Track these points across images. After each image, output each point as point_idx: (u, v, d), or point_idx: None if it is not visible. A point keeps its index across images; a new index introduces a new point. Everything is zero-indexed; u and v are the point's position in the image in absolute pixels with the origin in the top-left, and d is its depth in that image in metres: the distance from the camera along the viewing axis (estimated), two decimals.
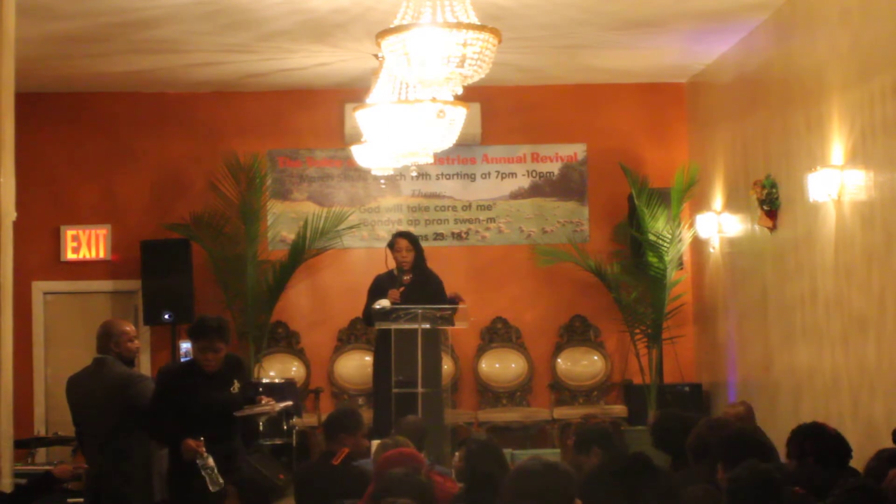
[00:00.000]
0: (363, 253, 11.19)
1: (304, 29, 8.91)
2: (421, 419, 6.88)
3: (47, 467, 6.54)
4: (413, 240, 9.38)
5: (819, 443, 5.24)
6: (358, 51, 9.48)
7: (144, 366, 10.46)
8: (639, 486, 4.59)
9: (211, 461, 5.95)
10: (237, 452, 6.39)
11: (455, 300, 9.08)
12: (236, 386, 6.32)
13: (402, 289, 9.11)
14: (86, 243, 11.19)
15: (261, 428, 7.70)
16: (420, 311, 8.65)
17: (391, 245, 9.36)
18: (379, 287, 9.29)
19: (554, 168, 11.43)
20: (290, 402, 6.80)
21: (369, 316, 9.16)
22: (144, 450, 6.52)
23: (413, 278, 9.23)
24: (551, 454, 9.28)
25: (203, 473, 5.93)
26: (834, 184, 7.36)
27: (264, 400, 6.38)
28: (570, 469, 3.81)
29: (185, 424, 6.13)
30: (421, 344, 8.64)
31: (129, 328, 6.64)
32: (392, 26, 5.49)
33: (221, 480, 5.91)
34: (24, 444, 8.51)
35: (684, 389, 10.67)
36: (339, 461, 5.98)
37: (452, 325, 9.00)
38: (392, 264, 9.35)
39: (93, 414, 6.51)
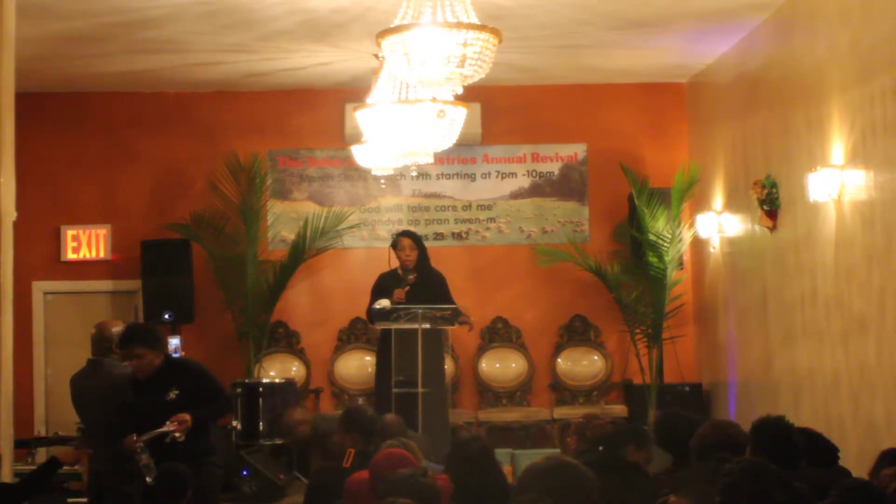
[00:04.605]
0: (363, 253, 11.19)
1: (304, 29, 8.91)
2: (399, 418, 6.86)
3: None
4: (416, 239, 9.41)
5: (810, 445, 5.34)
6: (358, 51, 9.48)
7: None
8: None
9: (145, 457, 6.05)
10: (197, 452, 6.38)
11: (463, 319, 8.97)
12: (173, 394, 6.35)
13: (406, 288, 9.11)
14: (86, 243, 11.18)
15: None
16: (420, 310, 8.66)
17: (394, 244, 9.39)
18: (382, 286, 9.29)
19: (554, 168, 11.42)
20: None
21: (372, 314, 9.17)
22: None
23: (417, 278, 9.24)
24: (552, 454, 9.28)
25: (141, 468, 6.07)
26: (834, 184, 7.36)
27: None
28: (588, 470, 3.81)
29: (129, 425, 6.29)
30: (422, 344, 8.63)
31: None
32: (392, 26, 5.48)
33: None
34: (24, 444, 8.53)
35: (684, 389, 10.66)
36: (349, 463, 5.97)
37: (452, 325, 8.99)
38: (395, 263, 9.37)
39: (94, 415, 6.58)
